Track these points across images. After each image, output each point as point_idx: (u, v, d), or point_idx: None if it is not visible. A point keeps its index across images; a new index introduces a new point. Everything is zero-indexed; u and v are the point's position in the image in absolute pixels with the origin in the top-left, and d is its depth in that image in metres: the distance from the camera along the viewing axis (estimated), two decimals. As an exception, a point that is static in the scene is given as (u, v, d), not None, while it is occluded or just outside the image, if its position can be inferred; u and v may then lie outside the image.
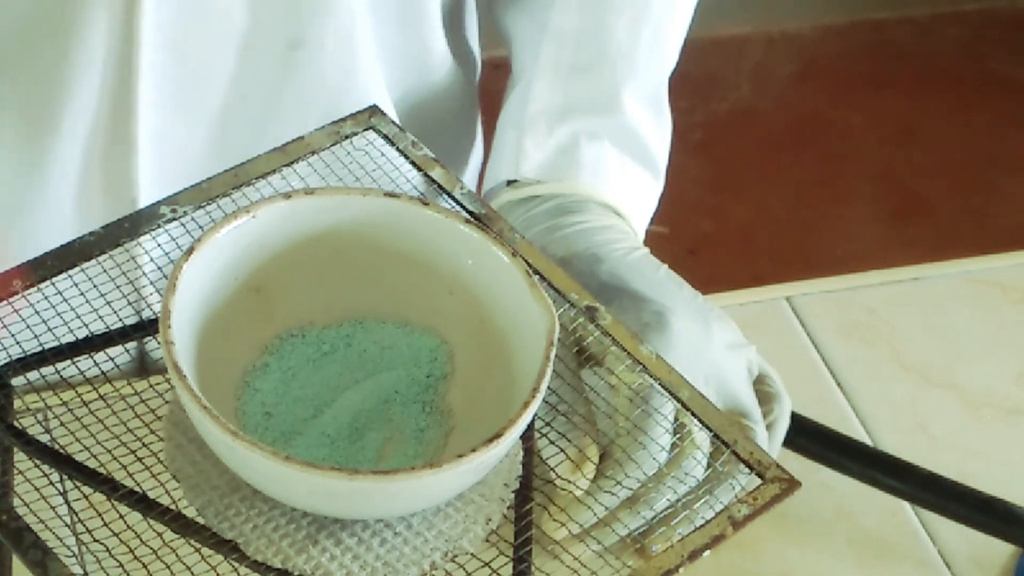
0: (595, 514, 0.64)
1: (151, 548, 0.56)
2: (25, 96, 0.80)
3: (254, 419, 0.60)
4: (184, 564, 0.56)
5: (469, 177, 1.04)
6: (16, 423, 0.60)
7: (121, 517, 0.57)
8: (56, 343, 0.62)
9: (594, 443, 0.65)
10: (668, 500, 0.65)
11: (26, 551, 0.55)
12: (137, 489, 0.57)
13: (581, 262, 0.78)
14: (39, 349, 0.61)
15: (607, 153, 0.87)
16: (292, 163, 0.67)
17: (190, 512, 0.57)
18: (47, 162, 0.82)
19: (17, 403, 0.61)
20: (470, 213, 0.68)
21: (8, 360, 0.61)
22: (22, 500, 0.57)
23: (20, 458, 0.59)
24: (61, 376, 0.61)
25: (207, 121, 0.84)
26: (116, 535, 0.56)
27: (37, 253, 0.84)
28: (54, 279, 0.62)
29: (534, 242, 0.81)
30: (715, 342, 0.74)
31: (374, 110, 0.70)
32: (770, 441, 0.75)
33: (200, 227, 0.64)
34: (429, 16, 0.90)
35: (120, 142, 0.82)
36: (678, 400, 0.63)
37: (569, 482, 0.65)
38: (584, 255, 0.79)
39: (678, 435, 0.65)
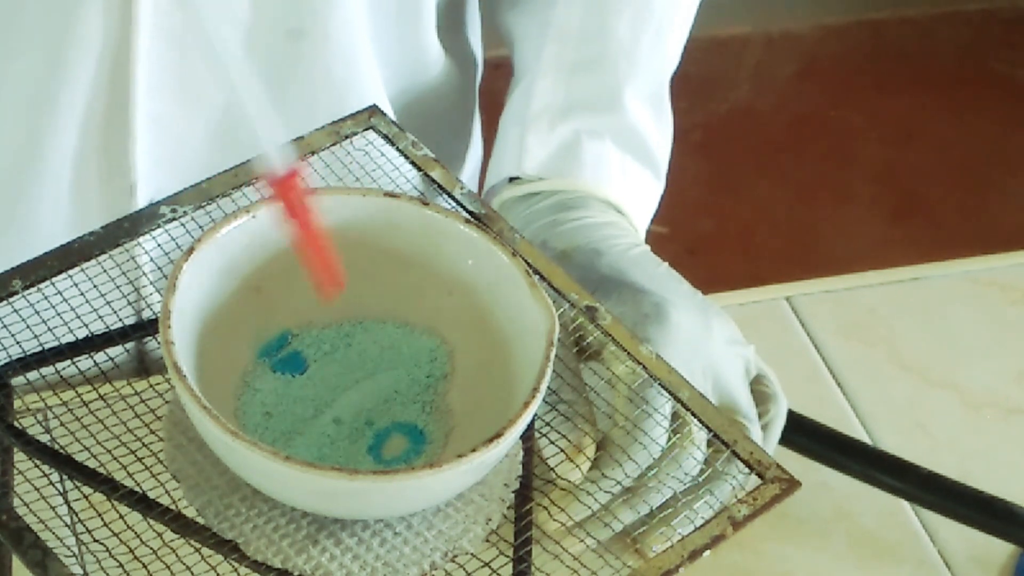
0: (588, 508, 0.64)
1: (151, 548, 0.56)
2: (23, 75, 0.80)
3: (254, 419, 0.60)
4: (184, 564, 0.56)
5: (467, 176, 1.04)
6: (16, 423, 0.60)
7: (121, 517, 0.57)
8: (56, 343, 0.62)
9: (589, 438, 0.65)
10: (664, 497, 0.65)
11: (26, 551, 0.55)
12: (137, 489, 0.57)
13: (581, 256, 0.78)
14: (39, 349, 0.61)
15: (608, 151, 0.87)
16: (292, 163, 0.67)
17: (190, 512, 0.57)
18: (44, 143, 0.82)
19: (17, 403, 0.61)
20: (470, 213, 0.68)
21: (8, 360, 0.61)
22: (22, 500, 0.57)
23: (20, 458, 0.59)
24: (61, 376, 0.61)
25: (208, 111, 0.84)
26: (116, 535, 0.56)
27: (35, 238, 0.85)
28: (54, 279, 0.62)
29: (535, 237, 0.81)
30: (714, 337, 0.74)
31: (374, 110, 0.70)
32: (766, 441, 0.75)
33: (200, 227, 0.64)
34: (426, 12, 0.90)
35: (117, 127, 0.82)
36: (678, 400, 0.63)
37: (565, 480, 0.65)
38: (585, 249, 0.79)
39: (677, 434, 0.65)
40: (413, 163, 0.69)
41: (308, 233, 0.56)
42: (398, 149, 0.69)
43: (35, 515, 0.57)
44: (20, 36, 0.79)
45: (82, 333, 0.62)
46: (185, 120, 0.84)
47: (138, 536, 0.56)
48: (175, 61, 0.81)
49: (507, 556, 0.57)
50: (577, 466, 0.64)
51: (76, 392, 0.60)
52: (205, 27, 0.52)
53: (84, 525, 0.56)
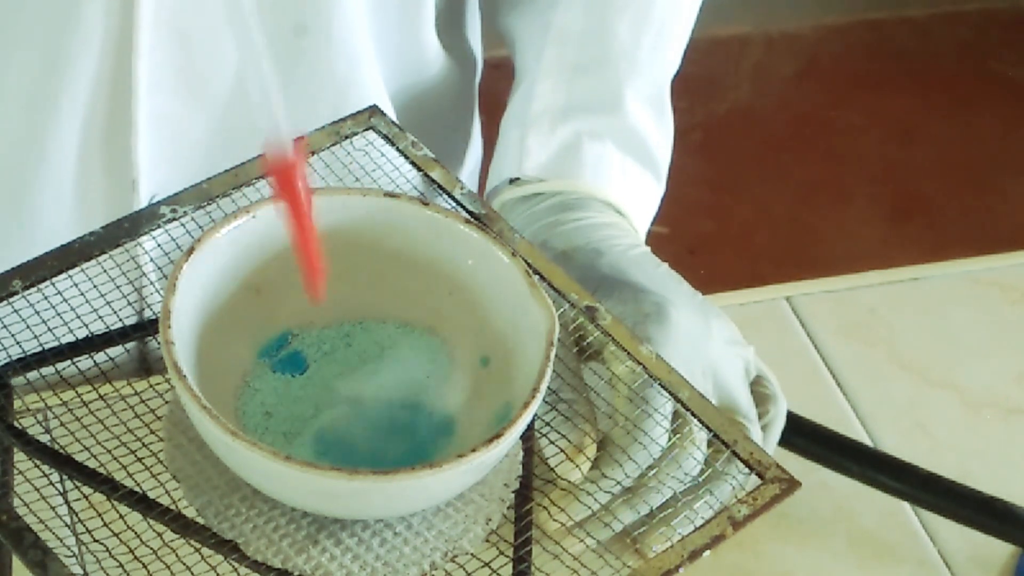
0: (588, 507, 0.64)
1: (151, 548, 0.56)
2: (24, 70, 0.80)
3: (254, 419, 0.60)
4: (184, 564, 0.56)
5: (466, 176, 1.04)
6: (16, 423, 0.60)
7: (121, 517, 0.57)
8: (56, 343, 0.62)
9: (589, 438, 0.65)
10: (664, 497, 0.65)
11: (26, 551, 0.55)
12: (137, 489, 0.57)
13: (582, 255, 0.78)
14: (39, 349, 0.61)
15: (609, 153, 0.87)
16: (292, 163, 0.67)
17: (190, 512, 0.57)
18: (47, 138, 0.82)
19: (17, 403, 0.61)
20: (470, 213, 0.68)
21: (8, 360, 0.61)
22: (22, 500, 0.57)
23: (20, 458, 0.59)
24: (61, 376, 0.61)
25: (210, 107, 0.84)
26: (116, 535, 0.56)
27: (38, 231, 0.85)
28: (54, 279, 0.62)
29: (535, 237, 0.81)
30: (714, 337, 0.74)
31: (374, 110, 0.70)
32: (765, 442, 0.75)
33: (200, 227, 0.64)
34: (426, 11, 0.90)
35: (120, 122, 0.82)
36: (678, 400, 0.63)
37: (565, 480, 0.65)
38: (585, 249, 0.79)
39: (677, 434, 0.65)
40: (413, 163, 0.69)
41: (300, 223, 0.56)
42: (398, 149, 0.69)
43: (35, 515, 0.57)
44: (21, 31, 0.79)
45: (82, 333, 0.62)
46: (187, 115, 0.84)
47: (138, 536, 0.56)
48: (177, 56, 0.81)
49: (507, 556, 0.57)
50: (577, 466, 0.64)
51: (76, 392, 0.60)
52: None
53: (84, 525, 0.56)
